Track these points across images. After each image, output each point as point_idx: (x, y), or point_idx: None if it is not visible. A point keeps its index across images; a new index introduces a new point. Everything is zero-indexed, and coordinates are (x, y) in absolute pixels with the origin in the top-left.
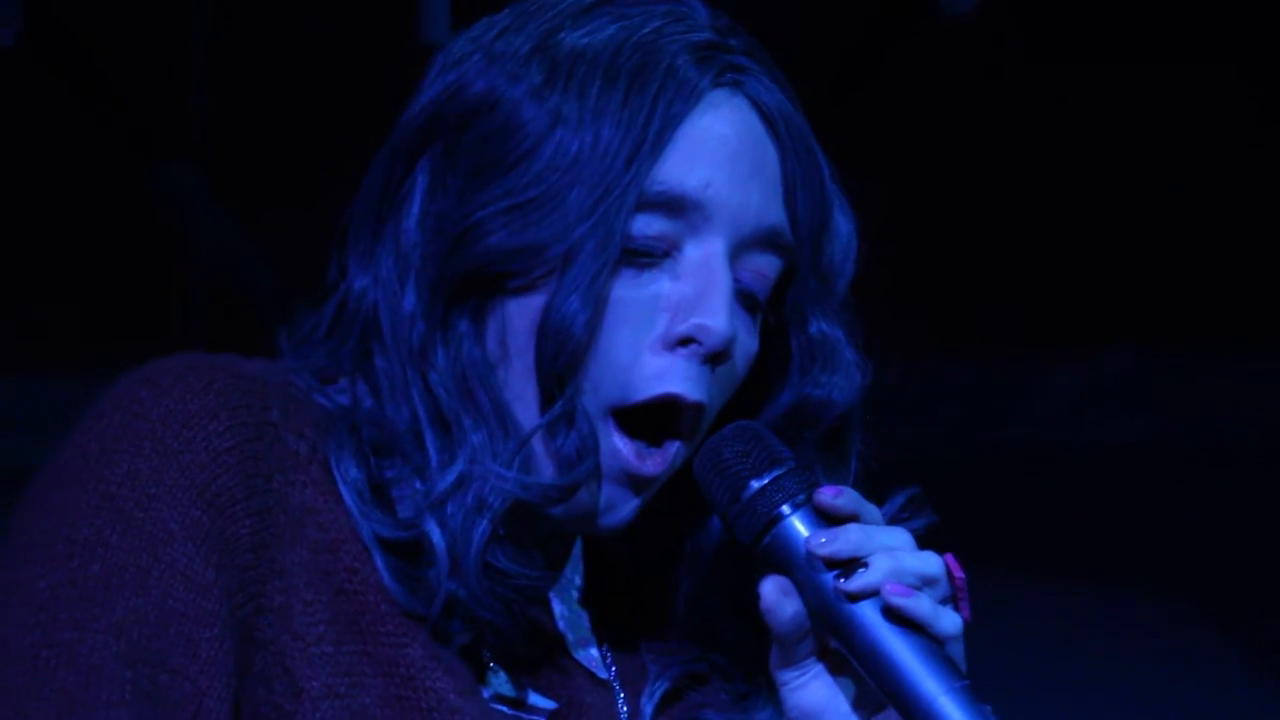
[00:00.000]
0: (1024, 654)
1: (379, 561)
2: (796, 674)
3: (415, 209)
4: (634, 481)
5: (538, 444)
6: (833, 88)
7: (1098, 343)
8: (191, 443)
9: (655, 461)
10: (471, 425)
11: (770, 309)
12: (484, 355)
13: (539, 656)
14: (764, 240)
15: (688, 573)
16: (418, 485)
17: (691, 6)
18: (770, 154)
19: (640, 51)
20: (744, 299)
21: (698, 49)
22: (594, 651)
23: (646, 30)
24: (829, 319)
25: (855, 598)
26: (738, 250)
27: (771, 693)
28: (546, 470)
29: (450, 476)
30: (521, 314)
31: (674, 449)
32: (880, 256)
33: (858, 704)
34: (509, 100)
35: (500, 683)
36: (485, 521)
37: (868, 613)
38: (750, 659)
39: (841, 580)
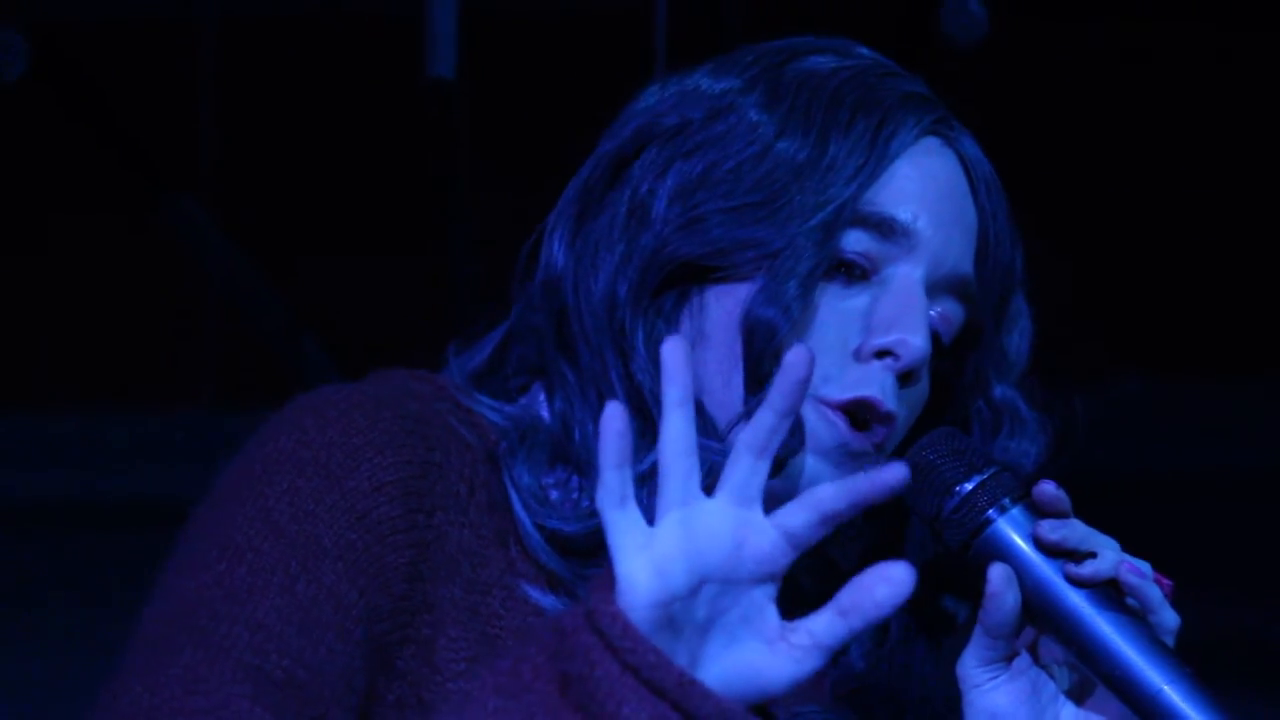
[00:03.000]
0: None
1: (549, 563)
2: (990, 674)
3: (624, 206)
4: (843, 456)
5: (739, 431)
6: None
7: (1105, 373)
8: (355, 470)
9: (863, 439)
10: None
11: (949, 369)
12: None
13: None
14: (955, 286)
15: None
16: (583, 484)
17: (897, 68)
18: (971, 210)
19: (861, 88)
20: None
21: (914, 97)
22: None
23: (865, 73)
24: (1010, 382)
25: (1085, 584)
26: (931, 288)
27: None
28: None
29: (652, 457)
30: (720, 308)
31: (869, 450)
32: None
33: (1045, 705)
34: (735, 109)
35: None
36: None
37: (1092, 602)
38: (888, 705)
39: (1073, 566)
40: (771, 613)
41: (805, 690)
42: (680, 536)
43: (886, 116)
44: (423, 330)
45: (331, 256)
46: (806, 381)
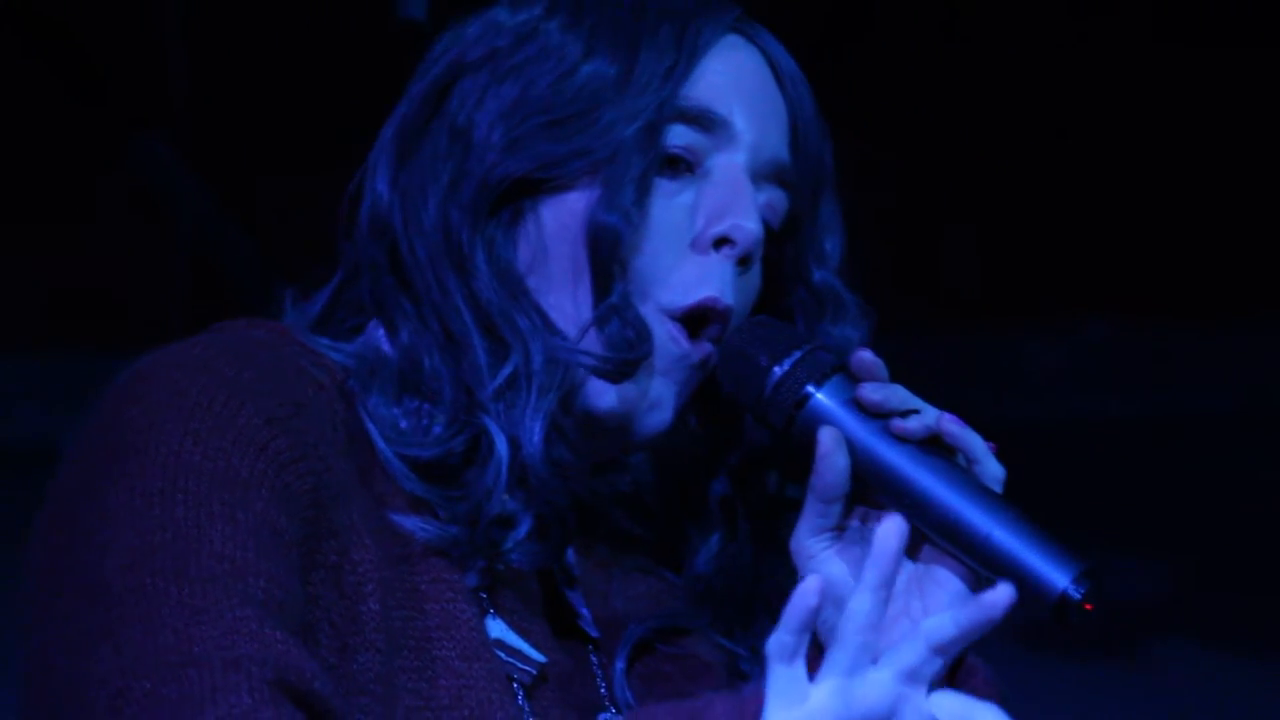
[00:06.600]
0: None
1: (413, 488)
2: (824, 544)
3: (444, 136)
4: (681, 371)
5: (592, 341)
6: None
7: (1076, 317)
8: (242, 409)
9: (699, 349)
10: (524, 323)
11: (777, 258)
12: (519, 263)
13: (533, 604)
14: (776, 174)
15: (687, 538)
16: (434, 412)
17: None
18: (780, 101)
19: None
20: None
21: (711, 1)
22: (585, 610)
23: None
24: (829, 270)
25: (910, 439)
26: (754, 177)
27: (761, 637)
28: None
29: (508, 369)
30: (555, 219)
31: (707, 348)
32: (858, 232)
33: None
34: (542, 34)
35: (498, 629)
36: (547, 400)
37: (918, 456)
38: (737, 607)
39: (898, 421)
40: None
41: (646, 598)
42: (838, 704)
43: (689, 18)
44: None
45: (301, 197)
46: (997, 618)
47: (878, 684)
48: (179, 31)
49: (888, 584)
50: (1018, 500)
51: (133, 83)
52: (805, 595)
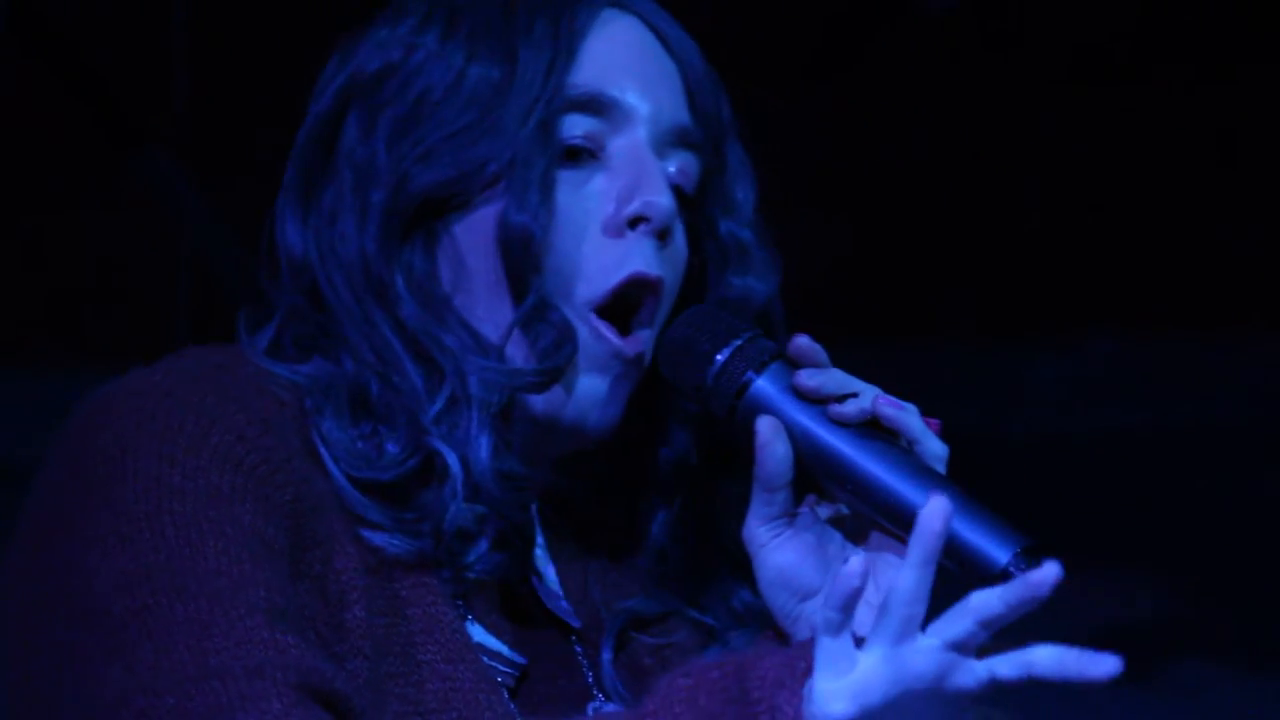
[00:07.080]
0: (1010, 637)
1: (368, 514)
2: (774, 532)
3: (347, 173)
4: (618, 366)
5: (519, 348)
6: (809, 76)
7: (1079, 330)
8: (212, 428)
9: (633, 343)
10: (452, 343)
11: (694, 222)
12: (442, 283)
13: (511, 605)
14: (680, 138)
15: (643, 512)
16: (388, 433)
17: None
18: (668, 62)
19: None
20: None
21: None
22: (564, 603)
23: None
24: (737, 221)
25: (848, 423)
26: (659, 148)
27: (733, 617)
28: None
29: (445, 392)
30: (469, 235)
31: (644, 336)
32: (863, 247)
33: (833, 557)
34: (421, 48)
35: (477, 634)
36: (489, 418)
37: (857, 439)
38: (707, 589)
39: (835, 406)
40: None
41: (621, 585)
42: (888, 670)
43: (560, 7)
44: None
45: None
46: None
47: (926, 651)
48: (183, 44)
49: (931, 561)
50: (1020, 506)
51: (135, 95)
52: (850, 577)
